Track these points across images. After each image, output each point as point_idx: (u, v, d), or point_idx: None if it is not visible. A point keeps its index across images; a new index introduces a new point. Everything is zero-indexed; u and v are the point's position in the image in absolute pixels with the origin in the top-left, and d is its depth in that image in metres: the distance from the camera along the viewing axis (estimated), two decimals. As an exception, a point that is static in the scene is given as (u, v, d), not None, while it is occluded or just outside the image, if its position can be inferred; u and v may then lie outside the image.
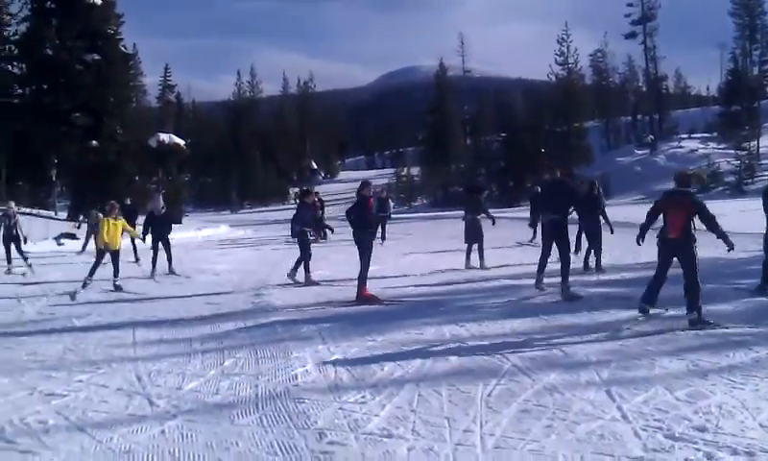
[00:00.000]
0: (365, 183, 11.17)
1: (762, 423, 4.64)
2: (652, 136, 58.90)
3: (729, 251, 7.95)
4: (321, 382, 5.98)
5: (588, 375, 5.89)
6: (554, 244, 10.30)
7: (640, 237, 8.35)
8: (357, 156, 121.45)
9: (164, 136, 43.80)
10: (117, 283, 12.33)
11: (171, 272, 14.67)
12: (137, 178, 37.45)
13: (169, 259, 14.90)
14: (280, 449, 4.45)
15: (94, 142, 33.67)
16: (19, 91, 37.27)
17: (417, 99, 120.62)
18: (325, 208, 25.88)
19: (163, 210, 15.95)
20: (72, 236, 24.19)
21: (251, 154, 72.37)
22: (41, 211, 32.53)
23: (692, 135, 58.32)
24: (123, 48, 37.81)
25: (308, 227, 13.58)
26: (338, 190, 62.21)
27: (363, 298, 10.27)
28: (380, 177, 70.96)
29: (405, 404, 5.27)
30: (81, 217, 23.96)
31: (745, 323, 7.82)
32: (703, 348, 6.70)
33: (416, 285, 11.92)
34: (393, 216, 24.27)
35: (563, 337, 7.36)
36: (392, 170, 76.73)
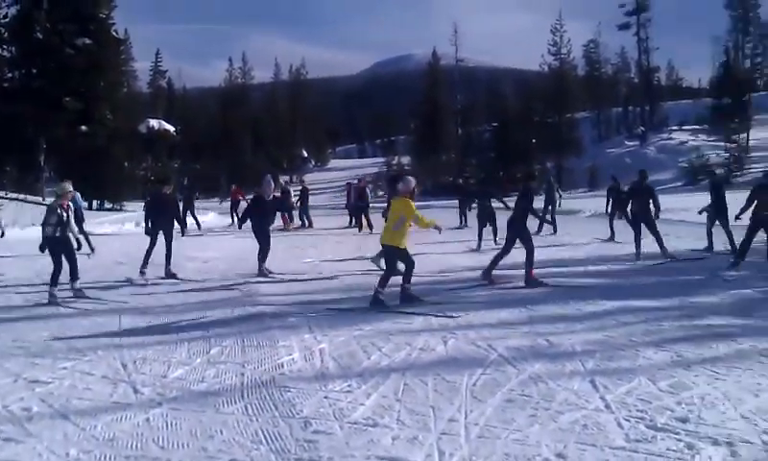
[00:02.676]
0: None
1: (744, 414, 4.69)
2: (643, 128, 59.06)
3: None
4: (307, 371, 5.99)
5: (573, 365, 5.93)
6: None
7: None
8: (349, 144, 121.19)
9: (154, 122, 43.73)
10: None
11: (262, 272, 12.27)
12: (126, 164, 37.23)
13: (263, 254, 12.46)
14: (265, 438, 4.46)
15: (84, 127, 33.44)
16: (9, 75, 36.92)
17: (409, 88, 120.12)
18: (309, 198, 25.83)
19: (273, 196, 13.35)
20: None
21: (241, 141, 71.89)
22: (28, 197, 32.32)
23: (683, 127, 58.46)
24: (114, 33, 37.47)
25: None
26: (328, 179, 62.08)
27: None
28: (371, 166, 70.98)
29: (391, 394, 5.29)
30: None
31: (729, 314, 7.89)
32: (686, 339, 6.76)
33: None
34: (371, 205, 24.29)
35: (548, 328, 7.40)
36: (383, 159, 76.49)
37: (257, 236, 12.49)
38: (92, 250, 13.52)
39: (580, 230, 19.72)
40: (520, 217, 10.91)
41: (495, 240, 15.81)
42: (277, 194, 16.18)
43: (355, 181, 26.92)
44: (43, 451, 4.31)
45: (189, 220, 21.91)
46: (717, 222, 13.60)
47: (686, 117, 60.33)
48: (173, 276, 12.07)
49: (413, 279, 9.32)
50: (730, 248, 12.85)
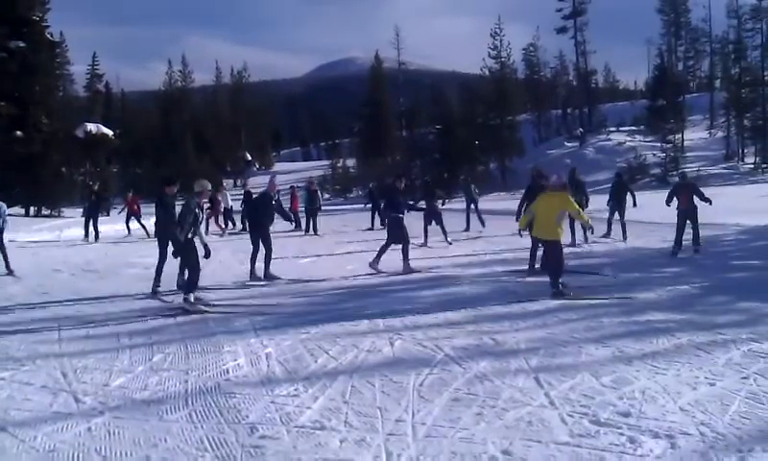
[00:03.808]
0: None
1: (683, 406, 4.82)
2: (581, 129, 60.32)
3: None
4: (253, 376, 5.92)
5: (518, 362, 6.01)
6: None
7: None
8: (293, 147, 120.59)
9: (92, 126, 42.63)
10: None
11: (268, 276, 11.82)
12: (64, 169, 36.24)
13: (269, 256, 11.98)
14: (210, 445, 4.40)
15: (19, 132, 32.40)
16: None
17: (352, 91, 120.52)
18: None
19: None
20: None
21: (183, 144, 70.72)
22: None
23: (620, 128, 59.99)
24: (49, 35, 36.42)
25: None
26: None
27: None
28: (316, 168, 70.68)
29: (338, 396, 5.27)
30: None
31: (668, 310, 8.11)
32: (627, 335, 6.92)
33: (350, 277, 11.92)
34: (323, 207, 24.30)
35: (493, 326, 7.49)
36: (327, 162, 76.35)
37: (263, 239, 11.88)
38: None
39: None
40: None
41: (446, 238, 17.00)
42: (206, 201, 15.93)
43: (299, 185, 26.82)
44: (-22, 466, 4.16)
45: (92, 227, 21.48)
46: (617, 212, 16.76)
47: (624, 118, 61.98)
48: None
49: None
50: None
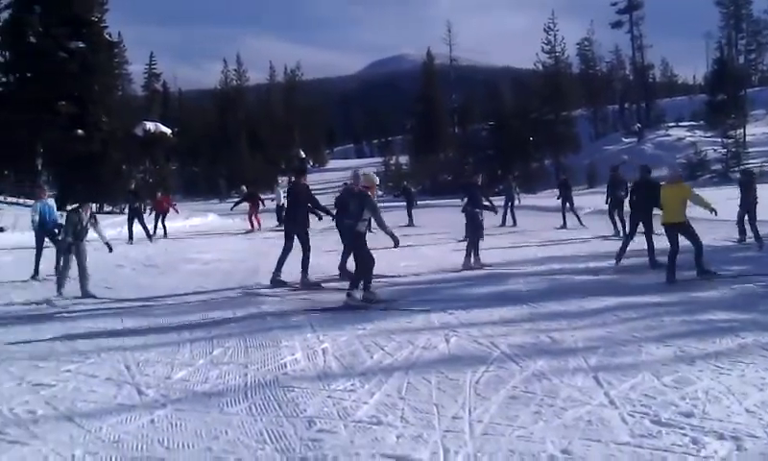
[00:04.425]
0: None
1: (748, 408, 4.69)
2: (639, 125, 59.06)
3: None
4: (310, 371, 5.99)
5: (576, 361, 5.93)
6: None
7: None
8: (346, 144, 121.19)
9: (150, 125, 43.58)
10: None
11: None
12: (124, 167, 37.18)
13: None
14: (270, 438, 4.46)
15: (80, 131, 33.37)
16: (3, 80, 36.86)
17: (404, 88, 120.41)
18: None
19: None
20: (60, 225, 23.91)
21: (238, 142, 71.82)
22: (27, 201, 32.24)
23: (679, 124, 58.53)
24: (108, 36, 37.41)
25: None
26: (327, 179, 61.95)
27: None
28: (369, 166, 70.87)
29: (394, 392, 5.29)
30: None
31: (732, 309, 7.89)
32: (689, 334, 6.76)
33: (404, 274, 11.93)
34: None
35: (550, 324, 7.40)
36: (380, 159, 76.50)
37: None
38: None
39: (580, 226, 19.74)
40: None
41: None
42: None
43: (351, 182, 26.87)
44: (49, 454, 4.29)
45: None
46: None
47: (682, 114, 60.44)
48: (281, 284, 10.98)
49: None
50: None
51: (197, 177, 72.55)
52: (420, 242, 17.03)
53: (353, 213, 9.56)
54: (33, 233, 13.13)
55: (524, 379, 5.47)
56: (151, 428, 4.71)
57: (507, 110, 57.62)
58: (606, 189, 17.73)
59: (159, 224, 22.60)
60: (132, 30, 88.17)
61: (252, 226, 24.34)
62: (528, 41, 76.42)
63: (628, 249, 11.90)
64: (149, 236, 20.73)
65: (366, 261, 9.38)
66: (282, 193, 27.19)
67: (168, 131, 45.16)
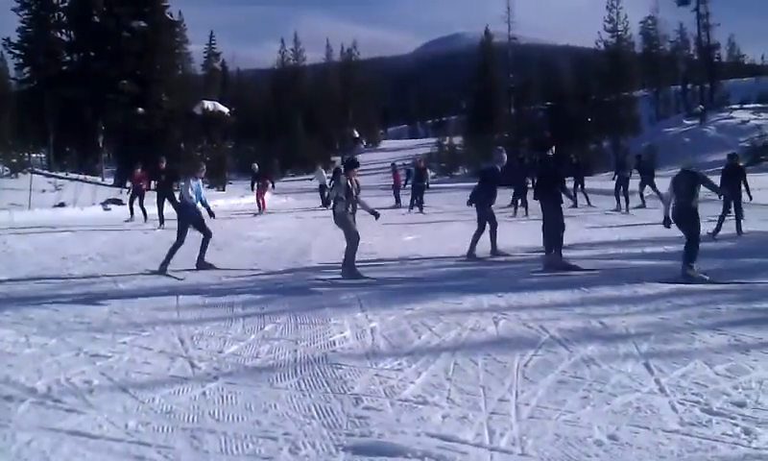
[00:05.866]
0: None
1: (804, 400, 4.56)
2: (702, 106, 57.27)
3: None
4: (358, 349, 6.05)
5: (627, 347, 5.84)
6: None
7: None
8: (399, 124, 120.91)
9: (209, 104, 44.18)
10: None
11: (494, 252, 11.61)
12: (183, 145, 37.89)
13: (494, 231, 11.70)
14: (317, 413, 4.53)
15: (141, 109, 34.16)
16: (68, 58, 37.90)
17: (460, 67, 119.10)
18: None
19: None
20: (118, 202, 24.61)
21: (293, 122, 72.37)
22: (88, 177, 33.22)
23: (744, 106, 56.49)
24: (169, 15, 38.09)
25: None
26: (380, 159, 62.02)
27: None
28: (422, 146, 70.65)
29: (441, 372, 5.31)
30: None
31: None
32: (745, 323, 6.58)
33: (454, 256, 11.88)
34: (431, 186, 24.23)
35: (602, 309, 7.30)
36: (434, 139, 76.09)
37: (484, 215, 11.54)
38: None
39: (639, 211, 19.36)
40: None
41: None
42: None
43: (400, 163, 26.86)
44: (103, 422, 4.45)
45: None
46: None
47: (748, 95, 58.25)
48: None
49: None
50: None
51: (252, 156, 73.43)
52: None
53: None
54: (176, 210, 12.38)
55: (573, 364, 5.42)
56: (202, 400, 4.84)
57: (566, 90, 56.59)
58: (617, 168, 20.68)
59: (136, 205, 19.43)
60: (192, 9, 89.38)
61: (260, 207, 23.99)
62: (590, 19, 74.55)
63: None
64: (142, 216, 18.97)
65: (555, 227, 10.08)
66: (325, 173, 27.25)
67: (226, 110, 45.72)
